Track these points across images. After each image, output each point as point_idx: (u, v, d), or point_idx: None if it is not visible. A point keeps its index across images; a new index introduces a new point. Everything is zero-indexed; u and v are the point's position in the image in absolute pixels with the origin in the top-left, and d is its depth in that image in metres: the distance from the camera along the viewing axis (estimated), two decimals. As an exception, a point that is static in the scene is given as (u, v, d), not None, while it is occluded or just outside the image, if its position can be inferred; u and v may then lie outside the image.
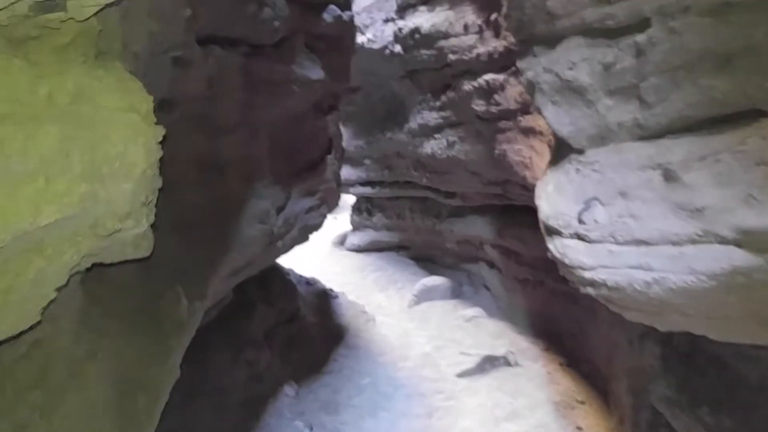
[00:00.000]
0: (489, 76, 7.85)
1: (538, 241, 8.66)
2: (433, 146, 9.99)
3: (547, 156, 5.86)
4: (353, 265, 13.87)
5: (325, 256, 15.37)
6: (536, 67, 3.69)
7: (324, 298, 9.69)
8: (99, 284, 2.81)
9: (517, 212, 9.28)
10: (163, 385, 3.10)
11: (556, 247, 3.55)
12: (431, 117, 9.94)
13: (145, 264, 2.89)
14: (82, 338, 2.55)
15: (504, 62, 7.53)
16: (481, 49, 8.01)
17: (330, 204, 7.05)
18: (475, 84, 8.17)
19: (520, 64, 3.92)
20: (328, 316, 9.06)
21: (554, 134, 3.78)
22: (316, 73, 6.42)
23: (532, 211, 8.11)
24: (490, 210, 10.03)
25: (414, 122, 10.78)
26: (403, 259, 13.71)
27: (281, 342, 7.84)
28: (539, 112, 3.80)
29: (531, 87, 3.80)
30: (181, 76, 3.78)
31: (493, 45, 7.70)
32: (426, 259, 13.36)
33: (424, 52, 9.58)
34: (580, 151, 3.51)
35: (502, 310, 9.71)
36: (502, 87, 7.56)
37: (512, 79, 7.37)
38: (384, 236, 14.39)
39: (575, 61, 3.37)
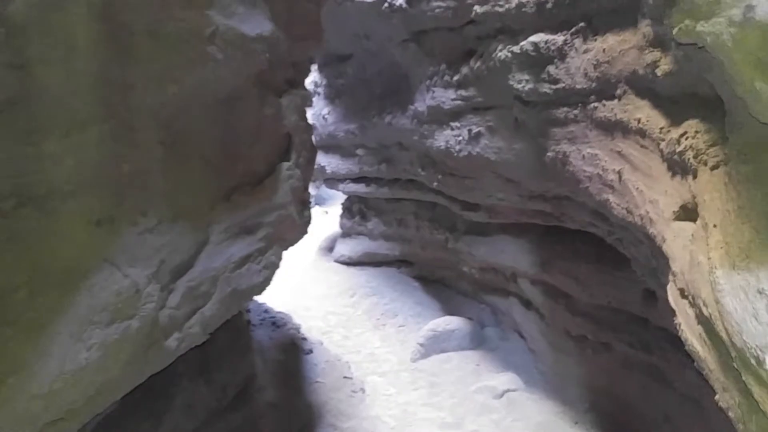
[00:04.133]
0: (540, 37, 5.45)
1: (604, 282, 6.32)
2: (448, 138, 7.58)
3: (662, 176, 3.49)
4: (341, 285, 11.56)
5: (307, 268, 13.04)
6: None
7: (293, 353, 7.34)
8: None
9: (568, 235, 6.89)
10: None
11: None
12: (446, 97, 7.53)
13: None
14: None
15: (565, 15, 5.12)
16: (525, -4, 5.58)
17: (286, 242, 4.65)
18: (516, 49, 5.77)
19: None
20: (296, 387, 6.72)
21: None
22: (258, 25, 4.01)
23: (592, 237, 5.69)
24: (529, 230, 7.63)
25: (421, 103, 8.38)
26: (405, 278, 11.39)
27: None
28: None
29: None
30: None
31: (547, -12, 5.27)
32: (435, 281, 11.02)
33: (437, 3, 7.15)
34: None
35: (546, 378, 7.35)
36: (561, 54, 5.15)
37: (579, 42, 4.95)
38: (381, 247, 12.06)
39: None
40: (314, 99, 12.58)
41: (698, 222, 2.76)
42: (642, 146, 3.93)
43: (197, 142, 3.86)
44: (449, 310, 9.72)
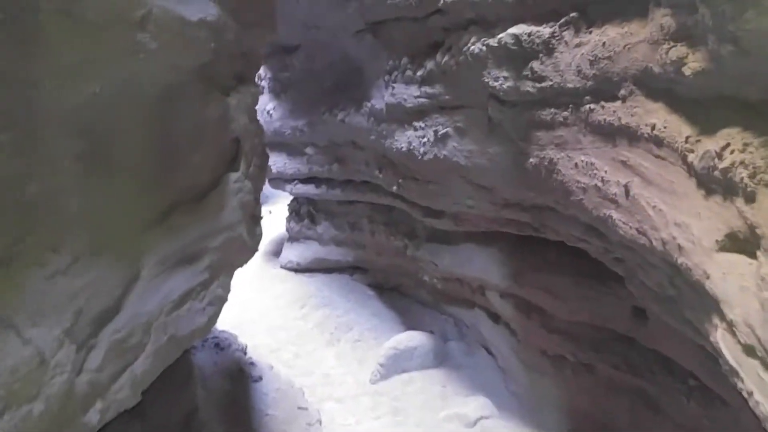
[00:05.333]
0: (521, 29, 4.91)
1: (584, 297, 5.86)
2: (411, 139, 7.00)
3: (690, 194, 3.01)
4: (290, 295, 10.85)
5: (251, 276, 12.23)
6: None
7: (240, 381, 6.61)
8: None
9: (541, 245, 6.42)
10: None
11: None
12: (408, 94, 6.94)
13: None
14: None
15: (553, 4, 4.60)
16: (504, -18, 5.03)
17: (233, 267, 3.96)
18: (493, 42, 5.22)
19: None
20: (245, 421, 6.00)
21: None
22: (201, 8, 3.31)
23: (568, 247, 5.30)
24: (498, 239, 7.12)
25: (379, 100, 7.77)
26: (359, 287, 10.77)
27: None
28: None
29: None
30: None
31: (530, -27, 4.75)
32: (391, 289, 10.44)
33: (397, -10, 6.54)
34: None
35: (521, 400, 6.86)
36: (548, 48, 4.63)
37: (569, 34, 4.44)
38: (332, 253, 11.41)
39: None
40: (258, 93, 11.82)
41: (764, 258, 2.26)
42: (657, 157, 3.43)
43: (126, 152, 3.14)
44: (408, 322, 9.16)
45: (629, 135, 3.72)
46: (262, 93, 11.68)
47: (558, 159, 4.58)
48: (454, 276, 8.07)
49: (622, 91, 3.78)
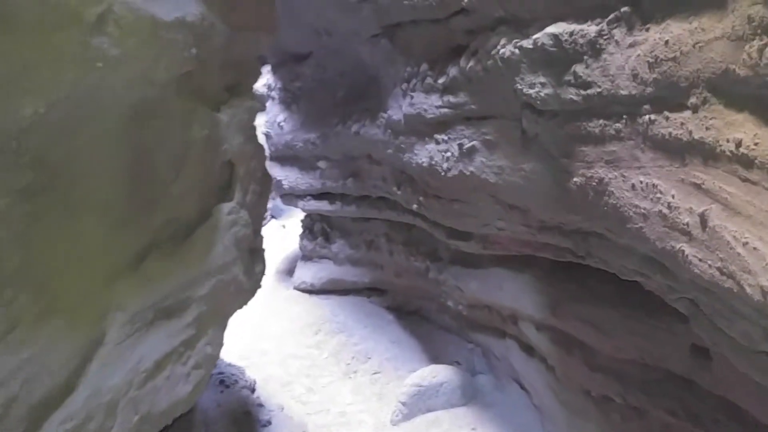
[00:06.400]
0: (561, 27, 4.31)
1: (633, 332, 5.21)
2: (432, 153, 6.41)
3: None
4: (303, 320, 10.28)
5: (264, 298, 11.66)
6: None
7: (248, 426, 6.02)
8: None
9: (580, 271, 5.77)
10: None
11: None
12: (429, 103, 6.35)
13: None
14: None
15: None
16: (539, -25, 4.45)
17: (228, 315, 3.37)
18: (528, 44, 4.63)
19: None
20: (249, 476, 5.41)
21: None
22: (180, 6, 2.75)
23: (611, 274, 4.66)
24: (531, 263, 6.47)
25: (396, 110, 7.20)
26: (377, 310, 10.18)
27: None
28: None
29: None
30: None
31: (571, -37, 4.15)
32: (412, 312, 9.82)
33: (416, -11, 5.98)
34: None
35: (561, 447, 6.18)
36: (595, 49, 4.02)
37: (620, 33, 3.83)
38: (348, 273, 10.83)
39: None
40: (268, 104, 11.42)
41: None
42: (746, 180, 2.79)
43: (88, 185, 2.58)
44: (431, 351, 8.54)
45: (704, 152, 3.08)
46: (273, 103, 11.22)
47: (610, 179, 3.95)
48: (482, 303, 7.44)
49: (693, 99, 3.14)
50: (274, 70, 10.92)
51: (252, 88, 4.04)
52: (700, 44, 3.08)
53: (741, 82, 2.76)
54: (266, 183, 4.13)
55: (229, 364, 7.82)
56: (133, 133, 2.75)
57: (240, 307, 3.71)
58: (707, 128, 3.05)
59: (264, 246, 4.23)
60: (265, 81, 12.64)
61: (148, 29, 2.50)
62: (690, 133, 3.16)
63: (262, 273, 4.09)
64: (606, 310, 5.56)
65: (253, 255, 3.79)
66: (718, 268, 2.95)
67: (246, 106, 3.65)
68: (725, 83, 2.90)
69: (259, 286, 3.98)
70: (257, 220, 3.91)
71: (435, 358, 8.28)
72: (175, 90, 2.89)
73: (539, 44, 4.46)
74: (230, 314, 3.61)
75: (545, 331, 6.42)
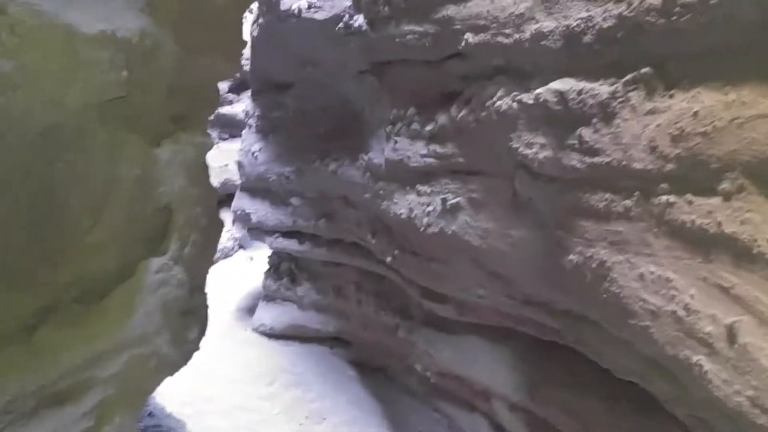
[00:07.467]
0: (569, 84, 3.88)
1: (618, 427, 4.75)
2: (412, 205, 5.91)
3: None
4: (258, 367, 9.60)
5: (219, 336, 10.94)
6: None
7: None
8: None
9: (564, 350, 5.23)
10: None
11: None
12: (413, 151, 5.88)
13: None
14: None
15: (615, 54, 3.56)
16: (547, 24, 4.02)
17: (145, 394, 2.77)
18: (528, 99, 4.19)
19: None
20: None
21: None
22: (111, 16, 2.21)
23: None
24: (513, 335, 5.93)
25: (378, 154, 6.73)
26: (339, 363, 9.53)
27: None
28: None
29: None
30: None
31: (584, 14, 3.72)
32: (376, 370, 9.19)
33: (409, 28, 5.56)
34: None
35: None
36: (606, 113, 3.57)
37: (638, 96, 3.38)
38: (312, 320, 10.20)
39: None
40: (244, 132, 10.93)
41: None
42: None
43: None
44: (393, 417, 7.91)
45: (736, 250, 2.60)
46: (249, 131, 10.71)
47: (613, 263, 3.45)
48: (452, 373, 6.87)
49: (725, 185, 2.67)
50: (254, 97, 10.45)
51: (206, 121, 3.49)
52: (738, 120, 2.62)
53: (793, 173, 2.30)
54: (213, 233, 3.54)
55: (169, 415, 7.15)
56: (37, 168, 2.19)
57: (160, 382, 3.12)
58: (742, 222, 2.57)
59: (206, 303, 3.65)
60: (244, 107, 12.19)
61: (60, 42, 1.97)
62: (719, 224, 2.68)
63: (199, 338, 3.50)
64: (590, 400, 5.03)
65: (187, 319, 3.20)
66: (749, 398, 2.43)
67: (195, 142, 3.08)
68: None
69: (189, 359, 3.39)
70: (198, 277, 3.33)
71: (396, 425, 7.65)
72: (98, 118, 2.34)
73: (541, 100, 4.01)
74: (149, 393, 3.02)
75: (519, 413, 5.86)
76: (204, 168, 3.27)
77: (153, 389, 3.07)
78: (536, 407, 5.62)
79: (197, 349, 3.50)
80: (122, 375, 2.52)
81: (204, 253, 3.34)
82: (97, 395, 2.41)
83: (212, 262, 3.62)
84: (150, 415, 6.75)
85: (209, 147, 3.26)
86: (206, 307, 3.68)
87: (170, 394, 7.83)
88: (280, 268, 11.05)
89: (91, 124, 2.32)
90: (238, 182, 11.40)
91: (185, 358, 3.26)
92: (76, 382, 2.35)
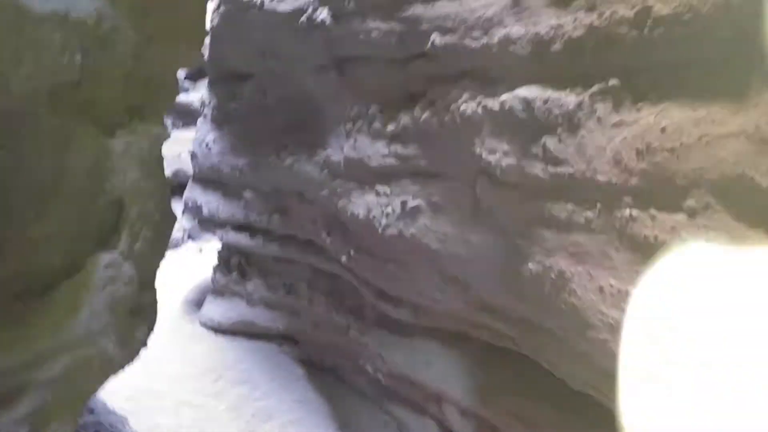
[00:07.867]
0: (535, 92, 3.87)
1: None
2: (371, 206, 5.84)
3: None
4: (204, 363, 9.37)
5: (165, 331, 10.64)
6: None
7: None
8: None
9: (524, 359, 5.22)
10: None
11: None
12: (373, 150, 5.81)
13: None
14: None
15: (584, 65, 3.56)
16: (516, 29, 4.01)
17: (87, 393, 2.63)
18: (493, 104, 4.16)
19: None
20: None
21: None
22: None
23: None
24: (467, 339, 5.92)
25: (337, 151, 6.63)
26: (287, 362, 9.37)
27: None
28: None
29: None
30: None
31: (554, 21, 3.71)
32: (326, 369, 9.09)
33: (375, 24, 5.52)
34: None
35: None
36: (572, 123, 3.56)
37: (604, 108, 3.39)
38: (260, 317, 10.01)
39: None
40: (199, 121, 10.66)
41: None
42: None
43: None
44: (341, 417, 7.82)
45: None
46: (204, 121, 10.46)
47: (573, 274, 3.45)
48: (403, 376, 6.83)
49: (691, 202, 2.69)
50: (211, 86, 10.20)
51: (163, 111, 3.34)
52: (707, 138, 2.63)
53: (761, 192, 2.31)
54: (164, 228, 3.37)
55: (111, 411, 6.89)
56: None
57: (106, 382, 2.97)
58: (707, 240, 2.58)
59: (156, 301, 3.51)
60: (200, 96, 11.91)
61: (8, 20, 1.82)
62: (683, 241, 2.69)
63: (147, 337, 3.36)
64: (542, 409, 5.04)
65: (136, 318, 3.06)
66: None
67: (151, 134, 2.93)
68: (738, 190, 2.45)
69: (136, 357, 3.24)
70: (148, 273, 3.18)
71: (345, 427, 7.57)
72: (48, 104, 2.18)
73: (507, 107, 3.99)
74: (90, 395, 2.87)
75: (470, 418, 5.85)
76: (159, 160, 3.13)
77: (96, 391, 2.92)
78: (488, 413, 5.62)
79: (145, 347, 3.36)
80: (63, 378, 2.37)
81: (155, 249, 3.19)
82: (32, 400, 2.25)
83: (163, 258, 3.48)
84: (91, 411, 6.49)
85: (165, 138, 3.12)
86: (156, 304, 3.53)
87: (113, 390, 7.55)
88: (230, 262, 10.83)
89: (39, 110, 2.17)
90: (191, 173, 11.15)
91: (132, 358, 3.12)
92: (9, 387, 2.19)
